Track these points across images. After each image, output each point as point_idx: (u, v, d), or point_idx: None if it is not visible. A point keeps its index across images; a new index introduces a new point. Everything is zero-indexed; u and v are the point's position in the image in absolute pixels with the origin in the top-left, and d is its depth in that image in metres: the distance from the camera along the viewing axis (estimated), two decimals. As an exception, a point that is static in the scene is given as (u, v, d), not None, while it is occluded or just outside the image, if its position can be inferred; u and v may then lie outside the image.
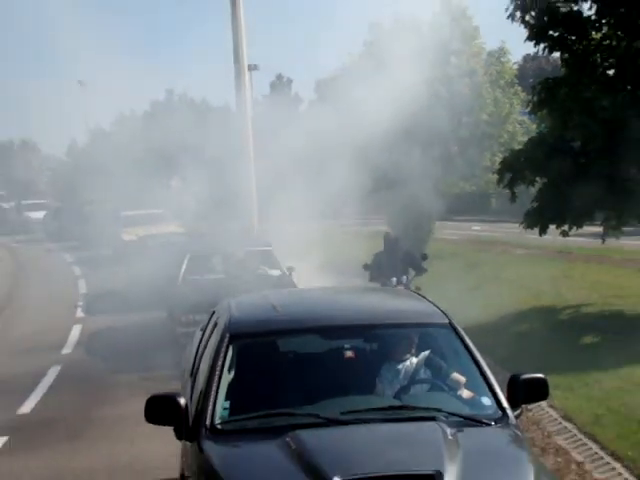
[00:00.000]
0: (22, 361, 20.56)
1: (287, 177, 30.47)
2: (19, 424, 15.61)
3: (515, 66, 32.97)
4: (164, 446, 9.87)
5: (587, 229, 20.70)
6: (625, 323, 19.41)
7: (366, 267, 16.71)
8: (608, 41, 19.29)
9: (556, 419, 13.45)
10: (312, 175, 30.12)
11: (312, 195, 29.62)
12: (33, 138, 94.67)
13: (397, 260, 14.70)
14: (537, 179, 19.99)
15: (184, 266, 21.67)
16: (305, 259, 22.46)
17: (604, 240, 20.90)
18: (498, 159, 23.68)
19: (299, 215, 31.66)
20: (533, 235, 21.47)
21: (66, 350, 22.08)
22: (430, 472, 6.36)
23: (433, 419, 7.42)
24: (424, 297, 9.86)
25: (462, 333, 8.57)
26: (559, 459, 11.92)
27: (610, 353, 16.52)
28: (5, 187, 76.23)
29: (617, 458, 11.74)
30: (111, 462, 12.76)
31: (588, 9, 19.79)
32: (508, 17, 20.36)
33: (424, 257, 15.98)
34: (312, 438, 7.03)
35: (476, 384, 8.08)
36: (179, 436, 7.86)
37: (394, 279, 14.08)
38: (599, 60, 19.29)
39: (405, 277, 14.18)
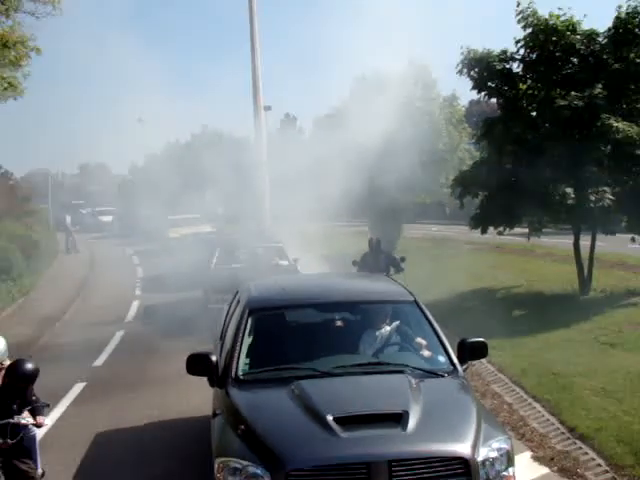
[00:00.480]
0: (96, 327, 20.66)
1: (292, 190, 30.59)
2: (94, 373, 15.65)
3: (463, 108, 32.93)
4: (199, 392, 9.76)
5: (517, 230, 20.68)
6: (544, 300, 19.50)
7: (354, 263, 16.35)
8: (531, 91, 19.32)
9: (493, 372, 13.54)
10: (311, 188, 30.19)
11: (312, 203, 29.71)
12: (105, 161, 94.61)
13: (379, 260, 14.56)
14: (479, 192, 19.98)
15: (215, 257, 21.72)
16: (307, 252, 22.48)
17: (529, 238, 20.90)
18: (451, 178, 23.61)
19: (302, 218, 31.79)
20: (477, 234, 21.49)
21: (128, 319, 22.20)
22: (399, 411, 6.57)
23: (402, 372, 7.60)
24: (396, 281, 9.90)
25: (424, 308, 8.74)
26: (495, 401, 12.07)
27: (532, 322, 16.67)
28: (84, 198, 76.25)
29: (537, 400, 11.85)
30: (162, 401, 12.88)
31: (517, 67, 19.87)
32: (457, 72, 20.40)
33: (402, 259, 15.76)
34: (311, 386, 7.18)
35: (434, 346, 8.20)
36: (211, 384, 8.05)
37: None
38: (525, 104, 19.32)
39: (385, 274, 13.29)
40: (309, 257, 21.58)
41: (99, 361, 16.81)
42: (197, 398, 11.37)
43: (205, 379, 8.07)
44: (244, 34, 31.99)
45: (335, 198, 28.80)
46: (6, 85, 21.41)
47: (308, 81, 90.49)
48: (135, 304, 24.62)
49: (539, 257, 24.98)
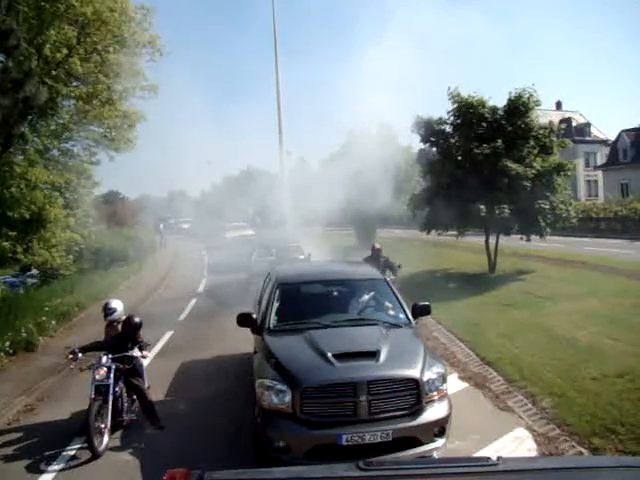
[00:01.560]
0: (179, 295, 20.60)
1: (304, 207, 30.80)
2: (179, 324, 15.75)
3: (415, 154, 33.01)
4: (246, 335, 9.81)
5: (450, 232, 20.81)
6: (467, 277, 19.51)
7: None
8: (457, 143, 19.29)
9: (434, 323, 13.52)
10: (317, 206, 30.36)
11: (317, 215, 29.87)
12: (184, 188, 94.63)
13: (379, 264, 12.98)
14: (425, 208, 20.06)
15: (255, 252, 21.63)
16: (315, 247, 22.41)
17: (457, 237, 20.96)
18: (408, 198, 23.64)
19: (310, 225, 31.99)
20: (424, 235, 21.62)
21: (199, 290, 22.16)
22: (374, 349, 6.68)
23: (376, 324, 7.66)
24: (372, 267, 9.92)
25: (390, 283, 8.84)
26: (435, 342, 12.10)
27: (459, 292, 16.63)
28: (171, 212, 76.31)
29: (462, 341, 12.00)
30: (221, 344, 12.84)
31: (448, 128, 19.90)
32: (412, 131, 20.56)
33: (399, 266, 13.95)
34: (317, 334, 7.26)
35: (397, 308, 8.31)
36: (253, 332, 8.19)
37: None
38: (454, 152, 19.29)
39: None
40: (316, 251, 21.49)
41: (181, 317, 16.86)
42: (243, 342, 11.39)
43: (248, 330, 8.28)
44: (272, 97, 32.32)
45: (332, 212, 29.05)
46: (126, 141, 21.50)
47: (315, 132, 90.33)
48: (204, 281, 24.52)
49: (464, 250, 24.95)
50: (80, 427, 7.72)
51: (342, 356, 6.57)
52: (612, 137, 56.39)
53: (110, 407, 7.75)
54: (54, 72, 13.43)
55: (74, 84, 15.21)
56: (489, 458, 2.06)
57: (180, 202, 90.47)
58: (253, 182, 47.37)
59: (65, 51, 13.92)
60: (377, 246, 14.01)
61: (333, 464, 2.21)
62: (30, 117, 14.01)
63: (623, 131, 53.03)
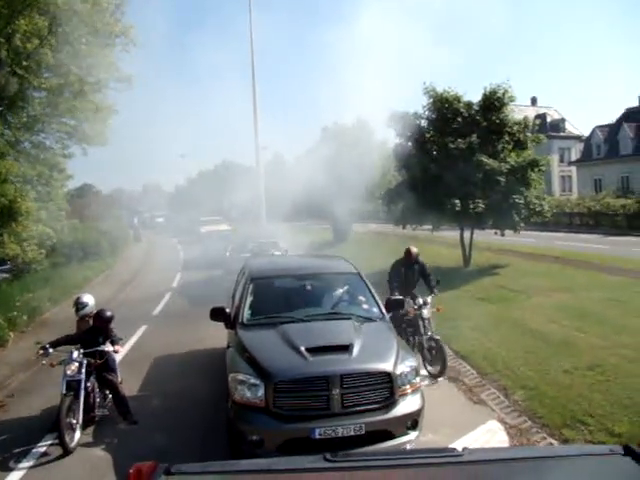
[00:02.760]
0: (153, 289, 20.54)
1: (280, 202, 30.77)
2: (152, 319, 15.71)
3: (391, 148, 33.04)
4: (218, 331, 9.78)
5: (425, 226, 20.94)
6: (441, 271, 19.43)
7: (390, 282, 11.28)
8: (433, 138, 19.34)
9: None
10: (292, 201, 30.33)
11: (291, 210, 29.87)
12: (159, 182, 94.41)
13: (413, 272, 11.28)
14: (400, 202, 20.13)
15: (230, 248, 21.55)
16: (292, 242, 22.45)
17: (432, 232, 21.07)
18: (382, 193, 23.70)
19: (287, 220, 31.94)
20: (400, 230, 21.74)
21: (174, 285, 22.05)
22: (347, 343, 6.70)
23: (349, 319, 7.65)
24: (347, 260, 9.86)
25: (364, 277, 8.87)
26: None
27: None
28: (145, 206, 75.79)
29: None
30: (194, 338, 12.81)
31: (424, 123, 19.95)
32: (388, 126, 20.61)
33: (437, 282, 11.21)
34: (290, 328, 7.27)
35: (370, 302, 8.31)
36: (226, 326, 8.22)
37: (420, 300, 10.34)
38: (429, 146, 19.35)
39: (423, 299, 10.38)
40: (293, 246, 21.49)
41: (156, 311, 16.82)
42: (217, 337, 11.35)
43: (222, 325, 8.33)
44: (248, 92, 32.12)
45: (308, 207, 29.10)
46: (99, 133, 21.25)
47: (290, 126, 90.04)
48: (178, 276, 24.43)
49: (438, 244, 24.97)
50: (52, 423, 7.65)
51: (315, 350, 6.57)
52: (586, 133, 57.17)
53: (82, 402, 7.68)
54: (25, 63, 13.24)
55: (45, 75, 15.00)
56: (454, 449, 2.09)
57: (154, 196, 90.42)
58: (228, 176, 47.42)
59: (36, 41, 13.71)
60: (414, 250, 11.53)
61: (300, 456, 2.23)
62: (0, 108, 13.77)
63: (597, 127, 53.75)
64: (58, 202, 20.23)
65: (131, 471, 2.23)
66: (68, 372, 7.73)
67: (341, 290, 8.66)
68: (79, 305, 8.67)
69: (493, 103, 18.80)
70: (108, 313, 8.51)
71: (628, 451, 1.97)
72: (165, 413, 8.51)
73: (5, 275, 20.36)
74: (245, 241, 21.56)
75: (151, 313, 16.43)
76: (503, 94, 18.77)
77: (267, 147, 40.59)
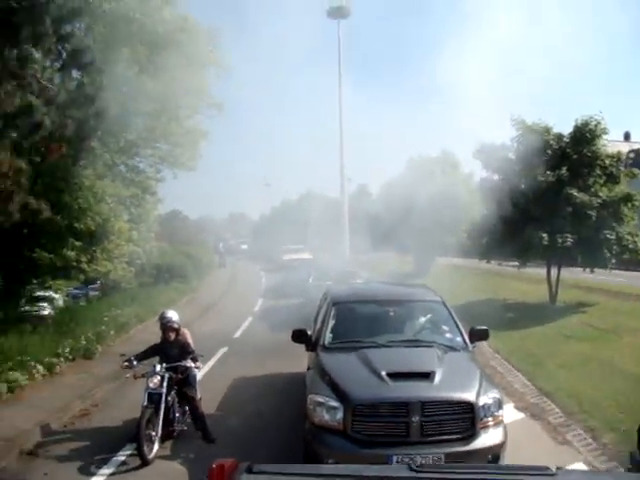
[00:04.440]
0: (234, 314, 20.81)
1: (363, 233, 30.86)
2: (234, 341, 15.98)
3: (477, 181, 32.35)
4: (299, 354, 9.74)
5: (511, 263, 20.55)
6: (527, 307, 19.01)
7: None
8: (521, 171, 18.79)
9: (491, 352, 13.19)
10: (375, 231, 30.29)
11: (374, 241, 29.81)
12: (244, 211, 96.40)
13: None
14: (486, 236, 19.72)
15: (312, 276, 21.61)
16: (373, 273, 22.34)
17: (519, 268, 20.54)
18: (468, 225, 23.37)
19: (368, 250, 31.85)
20: (484, 265, 21.36)
21: (255, 310, 22.34)
22: (429, 370, 6.58)
23: (431, 346, 7.52)
24: (430, 288, 9.72)
25: (447, 305, 8.74)
26: (491, 371, 11.59)
27: (520, 321, 16.28)
28: (230, 233, 77.48)
29: (519, 370, 11.77)
30: (275, 360, 12.71)
31: (512, 154, 19.53)
32: (474, 158, 20.35)
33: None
34: (372, 352, 7.21)
35: (453, 331, 8.18)
36: (307, 349, 8.18)
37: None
38: (517, 179, 18.79)
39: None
40: (373, 276, 21.39)
41: (237, 334, 17.07)
42: (297, 361, 11.32)
43: (302, 349, 8.45)
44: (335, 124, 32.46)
45: (390, 238, 28.92)
46: (189, 158, 21.97)
47: (376, 157, 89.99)
48: (260, 301, 24.75)
49: (524, 281, 24.16)
50: (132, 434, 7.81)
51: (396, 375, 6.47)
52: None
53: (162, 416, 7.82)
54: (125, 89, 13.92)
55: (143, 101, 15.68)
56: (548, 467, 1.95)
57: (239, 224, 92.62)
58: (312, 206, 48.01)
59: (136, 69, 14.40)
60: None
61: (384, 465, 2.14)
62: (99, 132, 14.48)
63: (696, 164, 51.19)
64: (149, 224, 20.94)
65: (214, 466, 2.22)
66: (150, 385, 7.89)
67: (424, 318, 8.53)
68: (163, 319, 8.86)
69: (584, 135, 18.21)
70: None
71: None
72: (243, 432, 8.53)
73: (95, 293, 21.17)
74: (327, 270, 21.55)
75: (232, 336, 16.63)
76: (595, 126, 18.18)
77: (352, 178, 40.92)
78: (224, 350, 14.48)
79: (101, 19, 12.11)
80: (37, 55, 11.52)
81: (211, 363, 12.75)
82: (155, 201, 22.40)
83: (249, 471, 2.17)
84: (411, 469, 1.92)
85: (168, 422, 8.06)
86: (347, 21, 32.00)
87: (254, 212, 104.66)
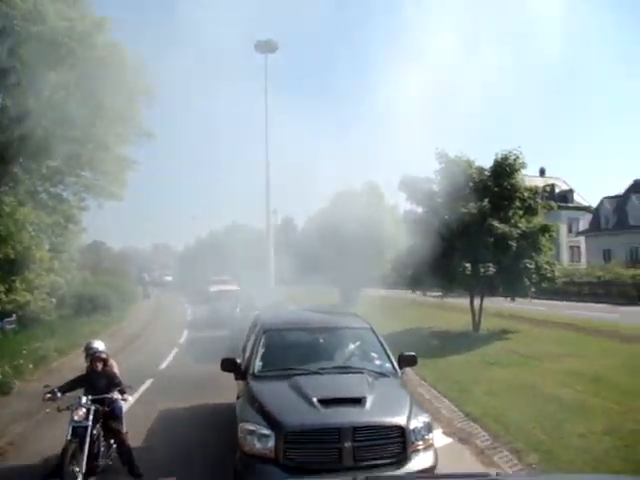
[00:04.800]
0: (161, 345, 20.42)
1: (288, 264, 31.02)
2: (159, 373, 15.58)
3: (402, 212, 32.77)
4: (228, 384, 9.64)
5: (435, 293, 20.99)
6: (450, 336, 19.44)
7: None
8: (445, 202, 19.34)
9: (418, 380, 13.34)
10: (300, 263, 30.49)
11: (299, 272, 29.96)
12: (169, 242, 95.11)
13: None
14: (411, 267, 20.13)
15: (239, 306, 21.44)
16: (299, 304, 22.36)
17: (442, 297, 21.15)
18: (393, 257, 23.78)
19: (294, 282, 31.95)
20: (409, 295, 21.65)
21: (181, 341, 21.92)
22: (360, 396, 6.63)
23: (362, 373, 7.57)
24: (359, 316, 9.84)
25: (376, 332, 8.78)
26: (420, 398, 11.64)
27: (445, 350, 16.58)
28: (155, 264, 76.01)
29: (446, 397, 11.90)
30: (202, 391, 12.65)
31: (436, 187, 20.11)
32: (399, 190, 20.79)
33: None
34: (303, 379, 7.21)
35: (382, 357, 8.25)
36: (236, 377, 8.09)
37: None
38: (441, 211, 19.30)
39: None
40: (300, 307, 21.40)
41: (162, 366, 16.71)
42: (225, 392, 11.17)
43: (230, 380, 8.45)
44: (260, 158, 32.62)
45: (316, 269, 29.16)
46: (116, 187, 21.62)
47: (300, 192, 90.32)
48: (185, 332, 24.39)
49: (448, 310, 24.70)
50: (52, 469, 7.45)
51: (327, 401, 6.48)
52: (594, 204, 57.51)
53: (87, 450, 7.50)
54: (50, 114, 13.58)
55: (69, 127, 15.34)
56: (489, 473, 2.02)
57: (164, 255, 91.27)
58: (238, 238, 47.96)
59: (62, 93, 14.10)
60: None
61: (333, 477, 2.16)
62: (22, 157, 14.05)
63: (605, 198, 54.15)
64: (71, 253, 20.36)
65: None
66: (75, 417, 7.58)
67: (354, 345, 8.55)
68: (89, 350, 8.58)
69: (504, 169, 19.01)
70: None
71: None
72: (170, 466, 8.29)
73: (12, 326, 20.32)
74: (254, 300, 21.45)
75: (157, 368, 16.26)
76: (514, 160, 19.01)
77: (277, 211, 41.12)
78: (149, 382, 14.13)
79: (26, 41, 11.79)
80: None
81: (137, 396, 12.36)
82: (78, 230, 21.83)
83: None
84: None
85: (93, 457, 7.72)
86: (275, 55, 32.38)
87: (179, 243, 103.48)
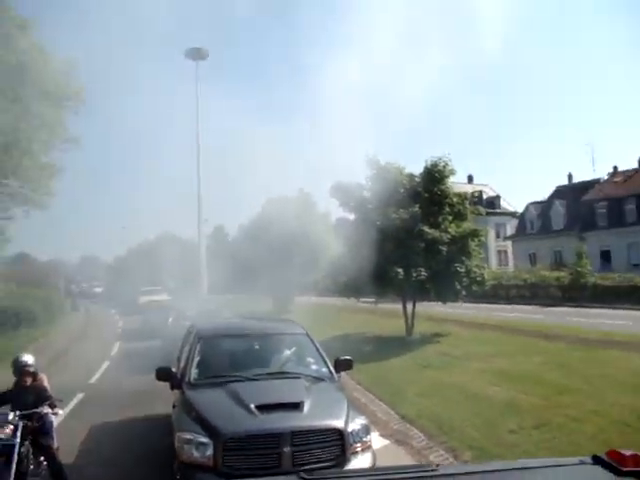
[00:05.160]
0: (91, 358, 19.87)
1: (220, 273, 30.84)
2: (90, 387, 15.23)
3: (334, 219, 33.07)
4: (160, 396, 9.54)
5: (369, 299, 21.21)
6: (384, 340, 19.69)
7: None
8: (376, 208, 19.61)
9: (354, 384, 13.45)
10: (232, 272, 30.35)
11: (232, 281, 29.77)
12: (97, 253, 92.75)
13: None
14: (344, 274, 20.31)
15: (171, 317, 21.10)
16: (232, 312, 22.19)
17: (375, 303, 21.40)
18: (326, 264, 23.97)
19: (226, 291, 31.72)
20: (342, 302, 21.79)
21: (112, 354, 21.47)
22: (297, 401, 6.65)
23: (299, 377, 7.61)
24: (295, 322, 9.89)
25: (312, 337, 8.83)
26: (356, 402, 11.81)
27: (379, 354, 16.78)
28: (84, 278, 73.76)
29: (381, 400, 12.11)
30: (135, 402, 12.45)
31: (367, 193, 20.39)
32: (331, 196, 20.87)
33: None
34: (239, 386, 7.19)
35: (319, 362, 8.31)
36: (172, 387, 7.97)
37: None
38: (372, 216, 19.50)
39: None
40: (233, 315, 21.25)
41: (93, 379, 16.34)
42: (157, 404, 10.98)
43: (162, 391, 8.55)
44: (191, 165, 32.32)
45: (248, 278, 29.08)
46: (43, 194, 21.00)
47: (231, 199, 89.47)
48: (117, 344, 23.86)
49: (381, 315, 24.93)
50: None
51: (265, 407, 6.47)
52: (520, 209, 59.59)
53: (14, 468, 7.23)
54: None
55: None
56: (429, 464, 2.09)
57: (92, 267, 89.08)
58: (168, 247, 47.35)
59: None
60: None
61: (275, 477, 2.19)
62: None
63: (530, 204, 56.30)
64: (-6, 265, 19.66)
65: None
66: (1, 435, 7.29)
67: (290, 350, 8.58)
68: (19, 364, 8.29)
69: (434, 175, 19.45)
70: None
71: (597, 460, 2.02)
72: (103, 481, 8.09)
73: None
74: (185, 310, 21.18)
75: (88, 381, 15.86)
76: (444, 167, 19.47)
77: (208, 219, 40.79)
78: (80, 396, 13.76)
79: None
80: None
81: (67, 410, 12.02)
82: (3, 241, 21.05)
83: None
84: (301, 478, 1.99)
85: (21, 476, 7.46)
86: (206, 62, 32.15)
87: (108, 254, 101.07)
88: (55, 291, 43.91)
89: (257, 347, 8.61)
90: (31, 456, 7.76)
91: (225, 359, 8.28)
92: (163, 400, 10.12)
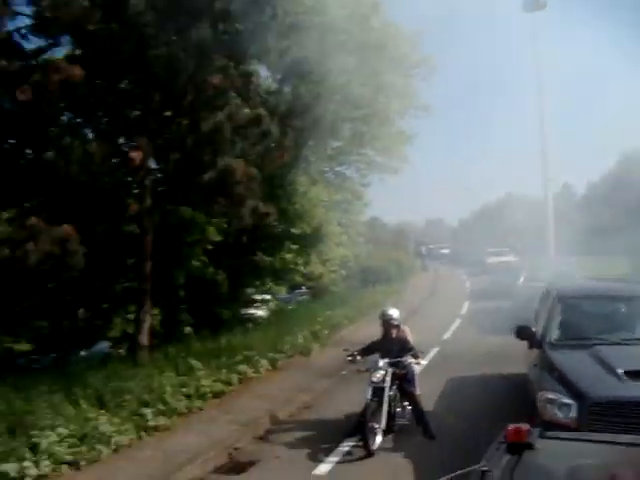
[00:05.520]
0: (443, 316, 20.67)
1: (569, 234, 29.27)
2: (444, 342, 15.95)
3: None
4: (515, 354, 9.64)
5: None
6: None
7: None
8: None
9: None
10: (582, 232, 28.41)
11: (581, 242, 28.04)
12: (441, 216, 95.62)
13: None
14: None
15: (521, 277, 20.77)
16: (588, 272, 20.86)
17: None
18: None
19: (575, 252, 29.86)
20: None
21: (462, 312, 22.16)
22: None
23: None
24: None
25: None
26: None
27: None
28: (429, 240, 76.80)
29: None
30: (488, 361, 12.59)
31: None
32: None
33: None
34: (604, 350, 6.82)
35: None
36: (530, 346, 7.94)
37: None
38: None
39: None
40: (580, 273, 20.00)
41: (445, 336, 16.97)
42: (512, 363, 10.94)
43: (515, 349, 8.62)
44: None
45: (606, 239, 26.98)
46: (398, 161, 22.43)
47: (577, 152, 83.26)
48: (466, 304, 24.41)
49: None
50: (353, 427, 8.12)
51: (636, 374, 6.03)
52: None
53: (385, 409, 7.97)
54: (336, 97, 14.53)
55: (351, 108, 16.27)
56: None
57: (437, 229, 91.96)
58: (513, 209, 46.64)
59: (346, 76, 15.00)
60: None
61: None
62: (311, 140, 15.23)
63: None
64: (357, 228, 21.67)
65: (510, 428, 2.59)
66: (374, 379, 8.08)
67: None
68: (385, 317, 9.03)
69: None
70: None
71: None
72: (460, 433, 8.31)
73: (302, 297, 22.29)
74: (538, 271, 20.64)
75: (441, 337, 16.58)
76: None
77: (554, 178, 38.85)
78: (436, 350, 14.45)
79: (313, 31, 12.79)
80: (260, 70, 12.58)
81: (424, 362, 12.75)
82: (362, 205, 23.10)
83: (542, 436, 2.41)
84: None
85: (390, 416, 8.18)
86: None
87: (452, 217, 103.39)
88: (405, 252, 46.66)
89: (623, 310, 8.11)
90: (398, 400, 8.51)
91: (588, 321, 7.98)
92: (514, 359, 10.18)
